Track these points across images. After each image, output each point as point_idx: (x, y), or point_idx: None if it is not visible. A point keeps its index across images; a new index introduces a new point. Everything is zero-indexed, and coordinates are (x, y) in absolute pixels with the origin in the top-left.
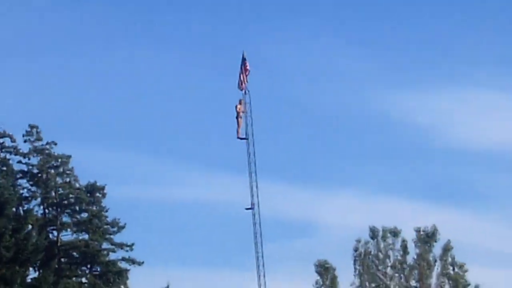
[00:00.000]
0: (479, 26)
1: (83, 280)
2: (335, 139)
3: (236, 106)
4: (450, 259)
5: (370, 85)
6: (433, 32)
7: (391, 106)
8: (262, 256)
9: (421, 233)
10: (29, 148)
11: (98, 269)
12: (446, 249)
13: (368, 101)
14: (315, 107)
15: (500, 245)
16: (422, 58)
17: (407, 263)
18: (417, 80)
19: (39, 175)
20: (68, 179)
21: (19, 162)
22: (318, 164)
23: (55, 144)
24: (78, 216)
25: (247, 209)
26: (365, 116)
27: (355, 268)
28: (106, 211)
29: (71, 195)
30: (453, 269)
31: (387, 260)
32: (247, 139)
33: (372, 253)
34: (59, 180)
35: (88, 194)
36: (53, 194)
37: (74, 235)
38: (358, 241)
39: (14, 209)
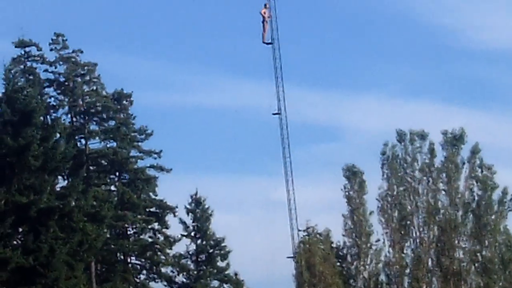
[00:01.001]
0: None
1: (112, 188)
2: (359, 42)
3: (261, 11)
4: (478, 161)
5: None
6: None
7: (417, 7)
8: (290, 161)
9: (449, 135)
10: (55, 57)
11: (127, 177)
12: (474, 151)
13: (393, 1)
14: (339, 10)
15: None
16: None
17: (435, 166)
18: None
19: (66, 83)
20: (94, 87)
21: (46, 70)
22: (344, 68)
23: (81, 52)
24: (105, 124)
25: (274, 114)
26: (389, 18)
27: (383, 172)
28: (134, 118)
29: (98, 103)
30: (481, 171)
31: (415, 164)
32: (272, 43)
33: (399, 156)
34: (86, 88)
35: (115, 102)
36: (80, 102)
37: (102, 143)
38: (386, 144)
39: (41, 118)
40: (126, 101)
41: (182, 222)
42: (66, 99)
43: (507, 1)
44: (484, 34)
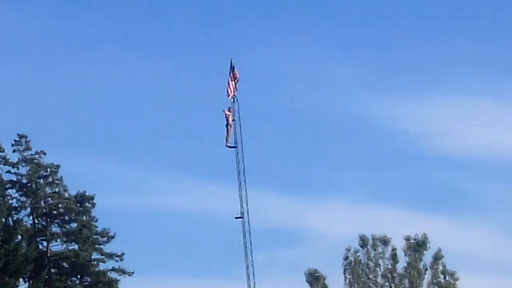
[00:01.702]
0: (468, 32)
1: None
2: (323, 146)
3: (225, 114)
4: (441, 267)
5: (358, 92)
6: (422, 37)
7: (379, 112)
8: (252, 266)
9: (411, 241)
10: (18, 158)
11: (88, 280)
12: (437, 257)
13: (356, 108)
14: (303, 114)
15: (491, 253)
16: (410, 65)
17: (397, 271)
18: (406, 86)
19: (29, 185)
20: (57, 189)
21: (8, 172)
22: (307, 172)
23: (44, 153)
24: (67, 226)
25: (237, 217)
26: (354, 123)
27: (345, 277)
28: (96, 221)
29: (60, 205)
30: (444, 278)
31: (377, 269)
32: (236, 147)
33: (362, 261)
34: (48, 190)
35: (78, 204)
36: (43, 204)
37: (64, 245)
38: (348, 249)
39: (3, 219)
40: (89, 203)
41: None
42: (28, 201)
43: (470, 108)
44: (447, 141)
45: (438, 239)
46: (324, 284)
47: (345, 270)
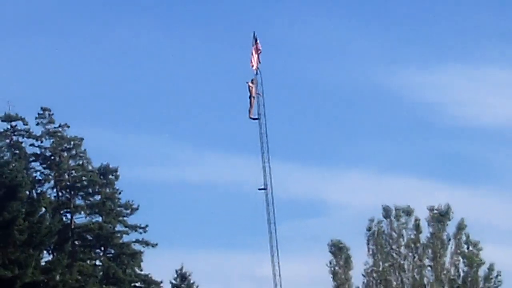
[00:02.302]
0: (488, 2)
1: (97, 262)
2: (345, 117)
3: (248, 86)
4: (464, 238)
5: (379, 63)
6: (442, 8)
7: (400, 83)
8: (276, 237)
9: (434, 211)
10: (42, 131)
11: (112, 252)
12: (460, 227)
13: (377, 78)
14: (325, 86)
15: None
16: (430, 35)
17: (421, 242)
18: (426, 57)
19: (52, 157)
20: (81, 162)
21: (32, 145)
22: (330, 143)
23: (68, 126)
24: (91, 199)
25: (260, 189)
26: (374, 94)
27: (368, 248)
28: (119, 193)
29: (84, 178)
30: (468, 248)
31: (401, 240)
32: (259, 119)
33: (385, 232)
34: (72, 162)
35: (101, 177)
36: (66, 176)
37: (88, 218)
38: (371, 220)
39: (27, 192)
40: (112, 175)
41: None
42: (52, 174)
43: (491, 79)
44: (468, 111)
45: (461, 210)
46: (348, 254)
47: (368, 240)
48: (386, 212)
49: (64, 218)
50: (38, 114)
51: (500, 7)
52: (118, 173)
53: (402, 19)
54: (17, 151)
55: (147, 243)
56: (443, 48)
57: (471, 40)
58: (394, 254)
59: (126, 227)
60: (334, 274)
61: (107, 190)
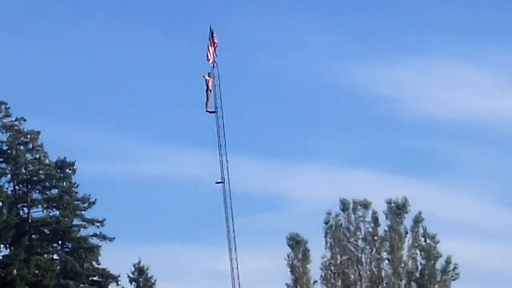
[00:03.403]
0: None
1: (55, 256)
2: (303, 111)
3: (205, 79)
4: (421, 231)
5: (337, 58)
6: (399, 1)
7: (358, 78)
8: (234, 231)
9: (392, 204)
10: None
11: (70, 246)
12: (417, 220)
13: (334, 73)
14: (282, 80)
15: (471, 217)
16: (388, 30)
17: (378, 235)
18: (382, 51)
19: (9, 151)
20: (37, 155)
21: None
22: (286, 137)
23: (24, 120)
24: (48, 193)
25: (217, 183)
26: (332, 89)
27: (326, 241)
28: (77, 187)
29: (41, 171)
30: (425, 240)
31: (358, 233)
32: (216, 112)
33: (343, 225)
34: (28, 156)
35: (58, 170)
36: (23, 170)
37: (45, 212)
38: (329, 213)
39: None
40: (69, 169)
41: None
42: (9, 167)
43: (448, 74)
44: (425, 106)
45: (418, 203)
46: (306, 248)
47: (326, 234)
48: (344, 205)
49: (21, 212)
50: None
51: (458, 1)
52: (75, 167)
53: (360, 13)
54: None
55: (104, 237)
56: (400, 42)
57: (428, 35)
58: (352, 247)
59: (83, 221)
60: (292, 268)
61: (64, 184)
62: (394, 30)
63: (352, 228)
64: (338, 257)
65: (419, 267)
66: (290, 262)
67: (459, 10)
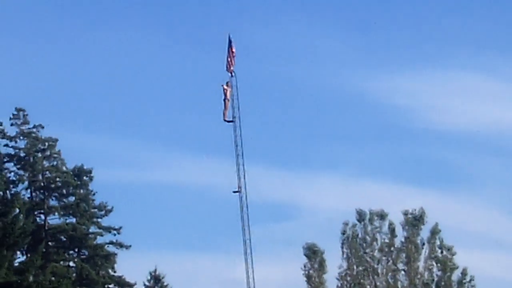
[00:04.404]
0: (460, 7)
1: (71, 263)
2: (320, 121)
3: (223, 88)
4: (438, 242)
5: (354, 67)
6: (413, 12)
7: (374, 87)
8: (250, 240)
9: (409, 216)
10: (16, 132)
11: (86, 253)
12: (434, 232)
13: (351, 82)
14: (299, 89)
15: (486, 228)
16: (401, 39)
17: (395, 246)
18: (399, 61)
19: (26, 158)
20: (55, 163)
21: (6, 145)
22: (304, 147)
23: (42, 127)
24: (65, 200)
25: (234, 192)
26: (349, 98)
27: (342, 251)
28: (94, 194)
29: (58, 179)
30: (441, 252)
31: (375, 243)
32: (233, 121)
33: (359, 236)
34: (46, 163)
35: (75, 178)
36: (40, 177)
37: (62, 219)
38: (346, 224)
39: (1, 193)
40: (86, 177)
41: None
42: (26, 174)
43: (462, 84)
44: (439, 116)
45: (435, 214)
46: (322, 258)
47: (342, 244)
48: (360, 216)
49: (38, 219)
50: (13, 114)
51: (471, 12)
52: (92, 175)
53: (375, 23)
54: None
55: (121, 245)
56: (416, 52)
57: (443, 45)
58: (368, 258)
59: (100, 228)
60: (309, 278)
61: (81, 191)
62: (409, 40)
63: (368, 239)
64: (355, 267)
65: (435, 279)
66: (307, 272)
67: (474, 21)
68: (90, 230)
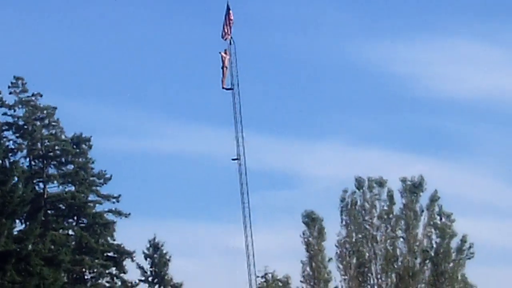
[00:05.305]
0: None
1: (70, 232)
2: (319, 89)
3: (221, 56)
4: (437, 209)
5: (352, 36)
6: None
7: (373, 56)
8: (249, 207)
9: (407, 183)
10: (15, 100)
11: (85, 221)
12: (433, 199)
13: (351, 51)
14: (298, 58)
15: (486, 195)
16: (402, 8)
17: (394, 213)
18: (398, 30)
19: (25, 126)
20: (54, 131)
21: (5, 114)
22: (302, 115)
23: (41, 95)
24: (64, 168)
25: (233, 159)
26: (347, 67)
27: (341, 219)
28: (92, 162)
29: (57, 147)
30: (440, 219)
31: (374, 211)
32: (232, 89)
33: (358, 203)
34: (45, 131)
35: (74, 146)
36: (39, 146)
37: (61, 187)
38: (345, 191)
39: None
40: (85, 145)
41: (140, 267)
42: (25, 143)
43: (462, 52)
44: (439, 84)
45: (434, 181)
46: (321, 225)
47: (341, 211)
48: (359, 183)
49: (37, 188)
50: (11, 83)
51: None
52: (91, 143)
53: None
54: None
55: (120, 213)
56: (415, 21)
57: (443, 13)
58: (367, 225)
59: (99, 197)
60: (308, 245)
61: (80, 159)
62: (409, 8)
63: (367, 206)
64: (353, 235)
65: (434, 246)
66: (306, 239)
67: None
68: (89, 198)
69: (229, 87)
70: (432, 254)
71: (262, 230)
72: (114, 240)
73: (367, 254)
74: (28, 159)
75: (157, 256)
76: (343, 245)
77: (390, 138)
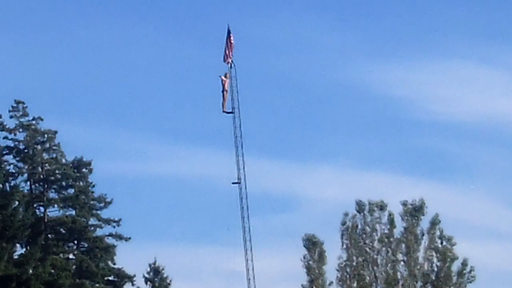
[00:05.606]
0: None
1: (70, 256)
2: (319, 112)
3: (221, 80)
4: (438, 233)
5: (353, 58)
6: (413, 3)
7: (372, 78)
8: (249, 231)
9: (408, 206)
10: (15, 124)
11: (85, 245)
12: (434, 222)
13: (351, 74)
14: (299, 80)
15: (486, 219)
16: (403, 31)
17: (394, 236)
18: (398, 52)
19: (26, 150)
20: (54, 155)
21: (5, 138)
22: (303, 138)
23: (41, 119)
24: (64, 192)
25: (233, 183)
26: (348, 89)
27: (342, 242)
28: (93, 186)
29: (57, 171)
30: (441, 243)
31: (374, 234)
32: (233, 112)
33: (359, 227)
34: (45, 155)
35: (75, 170)
36: (40, 170)
37: (61, 211)
38: (346, 214)
39: (0, 185)
40: (86, 169)
41: None
42: (26, 167)
43: (462, 74)
44: (440, 106)
45: (434, 205)
46: (322, 249)
47: (342, 235)
48: (360, 206)
49: (37, 212)
50: (12, 107)
51: (471, 2)
52: (91, 167)
53: (374, 15)
54: None
55: (120, 237)
56: (415, 43)
57: (442, 36)
58: (368, 249)
59: (99, 220)
60: (308, 269)
61: (81, 183)
62: (408, 31)
63: (368, 230)
64: (354, 258)
65: (435, 269)
66: (306, 263)
67: (473, 12)
68: (90, 222)
69: (230, 110)
70: (433, 278)
71: (262, 254)
72: (114, 264)
73: (368, 278)
74: (28, 183)
75: (157, 280)
76: (344, 269)
77: (391, 161)
